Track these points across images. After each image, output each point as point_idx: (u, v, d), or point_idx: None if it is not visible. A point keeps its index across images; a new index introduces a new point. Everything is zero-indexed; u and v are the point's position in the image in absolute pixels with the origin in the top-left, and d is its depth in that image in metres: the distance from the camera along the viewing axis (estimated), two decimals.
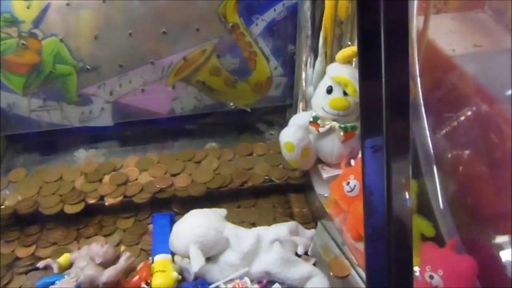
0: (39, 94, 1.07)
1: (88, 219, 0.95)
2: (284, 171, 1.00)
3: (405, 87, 0.45)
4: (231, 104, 1.14)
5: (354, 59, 0.89)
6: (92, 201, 0.95)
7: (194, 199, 0.96)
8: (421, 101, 0.76)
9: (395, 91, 0.44)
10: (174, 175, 1.00)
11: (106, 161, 1.05)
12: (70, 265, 0.80)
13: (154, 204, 0.96)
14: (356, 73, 0.86)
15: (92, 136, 1.15)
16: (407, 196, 0.46)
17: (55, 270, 0.80)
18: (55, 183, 0.99)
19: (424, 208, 0.73)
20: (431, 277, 0.64)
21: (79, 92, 1.07)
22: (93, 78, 1.06)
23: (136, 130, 1.15)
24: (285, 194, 1.00)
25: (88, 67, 1.04)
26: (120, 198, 0.95)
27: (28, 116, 1.09)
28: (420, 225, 0.71)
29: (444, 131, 0.78)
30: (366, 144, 0.47)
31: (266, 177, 1.00)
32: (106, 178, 0.99)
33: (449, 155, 0.78)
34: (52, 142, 1.14)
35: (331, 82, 0.90)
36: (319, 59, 0.99)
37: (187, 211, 0.87)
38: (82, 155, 1.12)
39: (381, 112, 0.44)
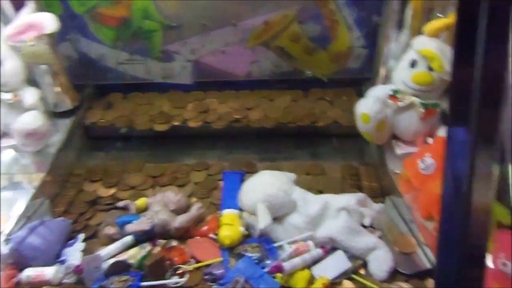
0: (127, 47, 1.13)
1: (164, 168, 1.00)
2: (353, 117, 0.95)
3: (500, 77, 0.42)
4: (308, 72, 1.14)
5: (443, 34, 0.85)
6: (177, 123, 1.07)
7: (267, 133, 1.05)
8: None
9: (489, 79, 0.41)
10: (249, 109, 1.09)
11: (190, 93, 1.16)
12: (145, 208, 0.85)
13: (229, 135, 1.07)
14: (444, 48, 0.84)
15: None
16: (490, 192, 0.44)
17: (133, 211, 0.85)
18: (146, 105, 1.13)
19: (503, 195, 0.69)
20: (504, 264, 0.62)
21: (163, 48, 1.12)
22: (177, 36, 1.10)
23: (213, 91, 1.18)
24: (355, 165, 1.00)
25: (173, 24, 1.07)
26: (201, 123, 1.06)
27: (115, 68, 1.16)
28: (497, 212, 0.68)
29: None
30: (452, 133, 0.46)
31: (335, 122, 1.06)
32: (190, 106, 1.12)
33: None
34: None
35: (416, 56, 0.87)
36: (405, 31, 0.94)
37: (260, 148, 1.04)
38: None
39: (472, 101, 0.42)
